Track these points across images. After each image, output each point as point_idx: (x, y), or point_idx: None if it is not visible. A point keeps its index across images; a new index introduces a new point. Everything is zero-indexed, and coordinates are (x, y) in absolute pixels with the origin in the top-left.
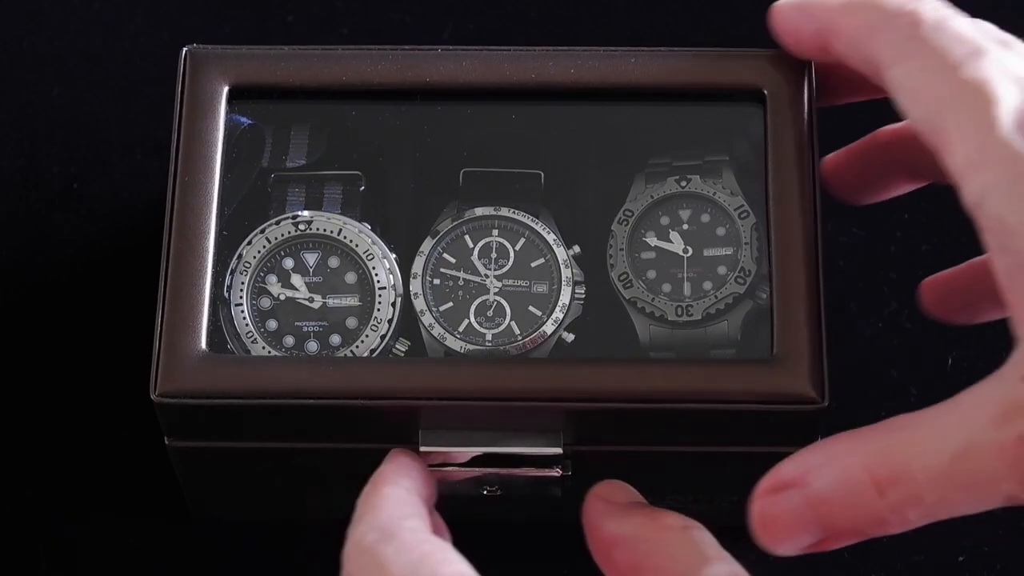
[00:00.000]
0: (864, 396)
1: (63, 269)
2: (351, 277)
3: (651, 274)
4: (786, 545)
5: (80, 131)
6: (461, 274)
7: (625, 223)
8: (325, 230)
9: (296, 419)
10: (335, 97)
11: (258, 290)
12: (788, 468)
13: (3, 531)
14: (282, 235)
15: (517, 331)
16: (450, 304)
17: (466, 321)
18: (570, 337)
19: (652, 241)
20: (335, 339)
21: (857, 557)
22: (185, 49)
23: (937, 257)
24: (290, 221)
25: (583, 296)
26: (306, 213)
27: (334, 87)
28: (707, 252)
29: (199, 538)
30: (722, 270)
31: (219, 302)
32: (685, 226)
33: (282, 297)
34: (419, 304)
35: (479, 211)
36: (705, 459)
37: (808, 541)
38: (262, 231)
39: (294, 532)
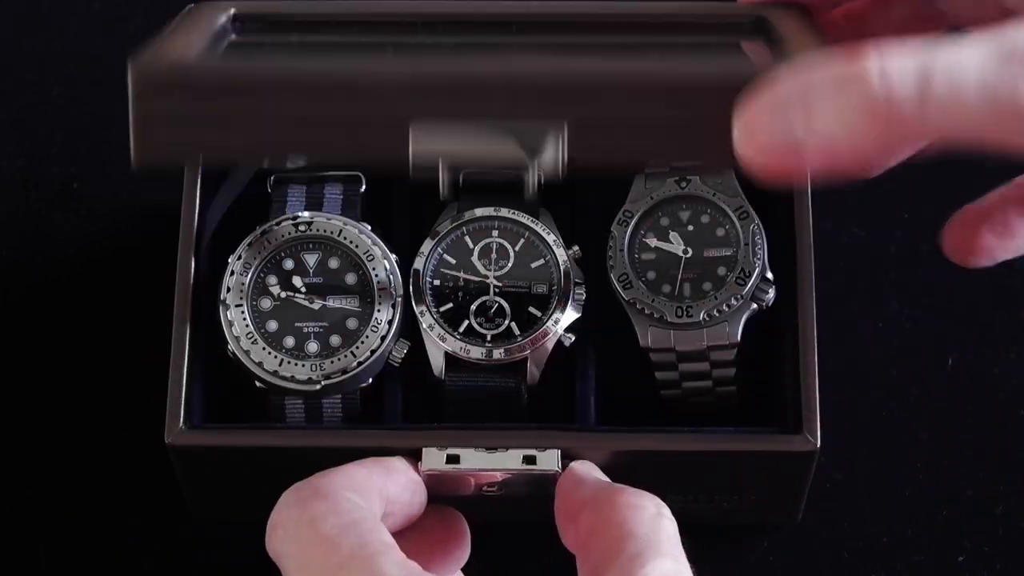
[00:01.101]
0: (864, 396)
1: (63, 269)
2: (351, 278)
3: (651, 275)
4: (768, 148)
5: (80, 131)
6: (461, 275)
7: (625, 224)
8: (325, 231)
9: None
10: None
11: (258, 291)
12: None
13: (3, 531)
14: (282, 236)
15: (517, 332)
16: (450, 305)
17: (466, 322)
18: (570, 338)
19: (652, 242)
20: (335, 340)
21: (857, 557)
22: None
23: (937, 257)
24: (290, 222)
25: (583, 297)
26: (306, 214)
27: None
28: (707, 253)
29: (199, 538)
30: (722, 271)
31: (219, 303)
32: (685, 227)
33: (282, 298)
34: (419, 305)
35: (479, 212)
36: (705, 459)
37: (791, 137)
38: (262, 232)
39: None
